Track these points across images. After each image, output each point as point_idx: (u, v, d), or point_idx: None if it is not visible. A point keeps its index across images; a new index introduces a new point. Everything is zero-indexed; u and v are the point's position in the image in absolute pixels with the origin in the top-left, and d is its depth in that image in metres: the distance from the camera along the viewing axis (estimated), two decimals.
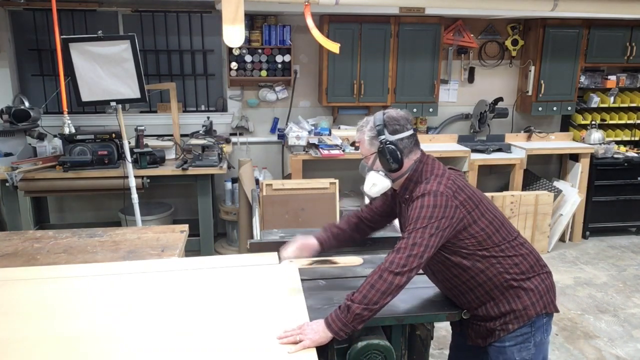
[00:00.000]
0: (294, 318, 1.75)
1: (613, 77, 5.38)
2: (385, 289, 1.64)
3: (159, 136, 4.84)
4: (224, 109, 5.20)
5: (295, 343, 1.61)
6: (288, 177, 4.98)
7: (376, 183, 1.86)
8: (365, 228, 2.16)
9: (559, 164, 5.68)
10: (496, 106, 5.10)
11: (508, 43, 5.32)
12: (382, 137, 1.80)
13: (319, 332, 1.64)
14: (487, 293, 1.82)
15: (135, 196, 3.71)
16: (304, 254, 2.10)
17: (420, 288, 2.01)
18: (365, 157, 1.90)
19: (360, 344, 1.73)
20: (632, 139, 5.64)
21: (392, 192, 1.99)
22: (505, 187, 5.35)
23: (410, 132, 1.83)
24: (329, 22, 4.68)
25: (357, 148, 4.77)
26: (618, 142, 5.53)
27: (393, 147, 1.79)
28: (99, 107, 4.66)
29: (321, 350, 1.64)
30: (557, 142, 5.41)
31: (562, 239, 5.23)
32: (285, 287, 2.00)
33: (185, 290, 1.99)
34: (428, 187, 1.74)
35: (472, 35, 5.22)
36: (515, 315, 1.82)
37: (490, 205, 1.85)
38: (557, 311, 1.91)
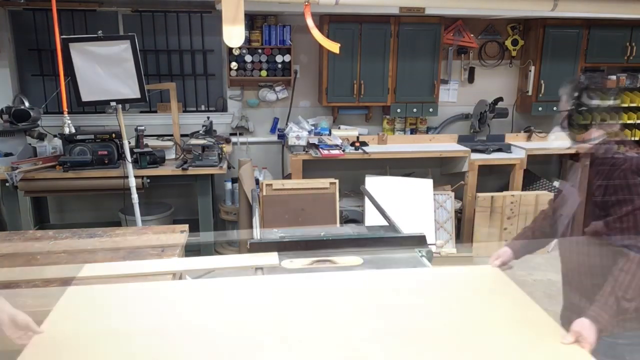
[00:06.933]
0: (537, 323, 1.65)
1: (613, 77, 5.38)
2: None
3: (159, 136, 4.84)
4: (224, 109, 5.20)
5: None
6: (288, 177, 4.97)
7: (557, 139, 1.90)
8: (552, 224, 2.09)
9: (559, 164, 5.67)
10: (496, 106, 5.10)
11: (508, 43, 5.32)
12: (577, 98, 1.79)
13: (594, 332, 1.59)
14: None
15: (135, 196, 3.70)
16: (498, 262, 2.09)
17: None
18: (561, 110, 1.92)
19: None
20: (632, 139, 5.63)
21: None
22: (505, 187, 5.34)
23: (609, 103, 1.79)
24: (329, 22, 4.68)
25: (357, 148, 4.77)
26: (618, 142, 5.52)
27: (584, 110, 1.77)
28: (99, 107, 4.66)
29: None
30: (557, 142, 5.41)
31: None
32: (502, 289, 1.90)
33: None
34: None
35: (472, 35, 5.22)
36: (638, 314, 1.72)
37: None
38: None
